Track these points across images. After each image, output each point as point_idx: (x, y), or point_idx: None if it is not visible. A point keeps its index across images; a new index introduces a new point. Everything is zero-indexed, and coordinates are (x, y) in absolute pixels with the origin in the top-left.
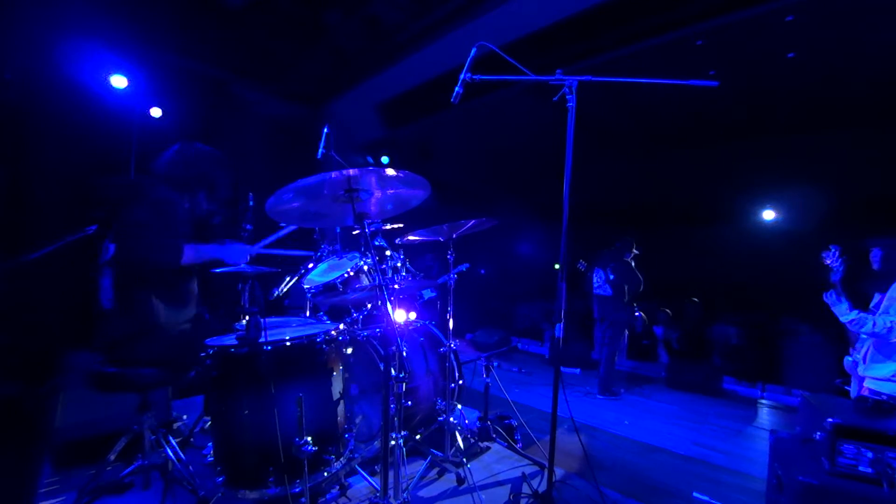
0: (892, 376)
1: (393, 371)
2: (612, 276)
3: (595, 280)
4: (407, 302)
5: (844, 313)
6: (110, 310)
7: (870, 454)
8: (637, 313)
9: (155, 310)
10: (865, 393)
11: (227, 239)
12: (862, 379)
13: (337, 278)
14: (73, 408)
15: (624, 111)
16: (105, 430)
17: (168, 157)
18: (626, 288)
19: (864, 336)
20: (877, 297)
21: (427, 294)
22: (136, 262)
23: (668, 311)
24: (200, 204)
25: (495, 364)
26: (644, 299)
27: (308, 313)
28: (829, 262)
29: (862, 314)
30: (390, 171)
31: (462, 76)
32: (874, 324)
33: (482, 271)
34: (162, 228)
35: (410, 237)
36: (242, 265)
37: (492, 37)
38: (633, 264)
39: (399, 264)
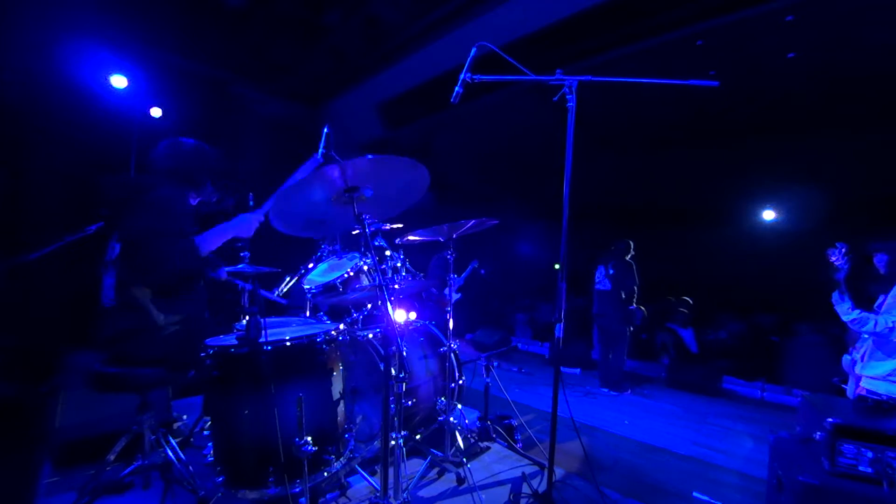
0: (888, 375)
1: (393, 371)
2: (612, 272)
3: (597, 276)
4: (431, 309)
5: (846, 312)
6: (110, 308)
7: (870, 454)
8: (633, 308)
9: (154, 307)
10: (862, 392)
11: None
12: (859, 378)
13: (337, 278)
14: (73, 408)
15: (624, 111)
16: (105, 430)
17: (160, 153)
18: (624, 285)
19: (866, 336)
20: (881, 298)
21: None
22: (164, 272)
23: (684, 310)
24: (210, 195)
25: (495, 364)
26: (645, 301)
27: (308, 313)
28: (834, 259)
29: (864, 314)
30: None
31: (462, 76)
32: (875, 323)
33: (482, 272)
34: (170, 231)
35: (410, 237)
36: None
37: (492, 37)
38: (633, 265)
39: (399, 264)
